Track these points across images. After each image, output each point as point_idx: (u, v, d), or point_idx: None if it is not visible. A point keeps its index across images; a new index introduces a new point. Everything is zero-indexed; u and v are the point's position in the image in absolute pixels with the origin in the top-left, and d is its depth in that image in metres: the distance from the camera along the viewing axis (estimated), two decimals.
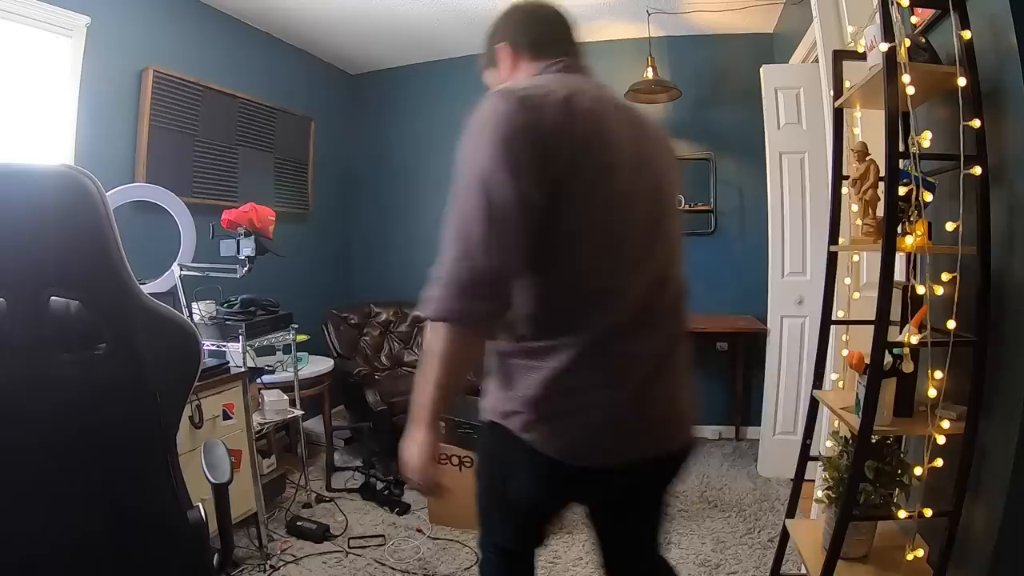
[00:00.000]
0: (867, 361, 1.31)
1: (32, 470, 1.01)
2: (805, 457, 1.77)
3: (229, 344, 2.31)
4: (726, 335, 3.41)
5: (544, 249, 0.92)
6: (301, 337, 2.71)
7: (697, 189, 3.54)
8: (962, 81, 1.25)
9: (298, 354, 2.76)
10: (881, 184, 1.41)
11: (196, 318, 2.37)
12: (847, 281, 1.83)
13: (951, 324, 1.27)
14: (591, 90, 0.99)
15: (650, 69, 3.26)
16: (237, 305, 2.43)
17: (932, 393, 1.30)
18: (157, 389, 1.07)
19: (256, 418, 2.36)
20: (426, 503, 2.55)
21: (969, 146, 1.25)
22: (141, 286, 1.09)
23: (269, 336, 2.50)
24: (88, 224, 1.00)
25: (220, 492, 1.20)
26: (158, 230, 2.57)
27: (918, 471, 1.33)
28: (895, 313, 1.32)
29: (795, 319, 2.88)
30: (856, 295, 1.82)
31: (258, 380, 2.53)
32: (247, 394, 2.21)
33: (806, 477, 1.80)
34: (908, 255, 1.33)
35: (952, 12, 1.26)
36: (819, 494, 1.61)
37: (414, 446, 0.97)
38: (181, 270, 2.43)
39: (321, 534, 2.35)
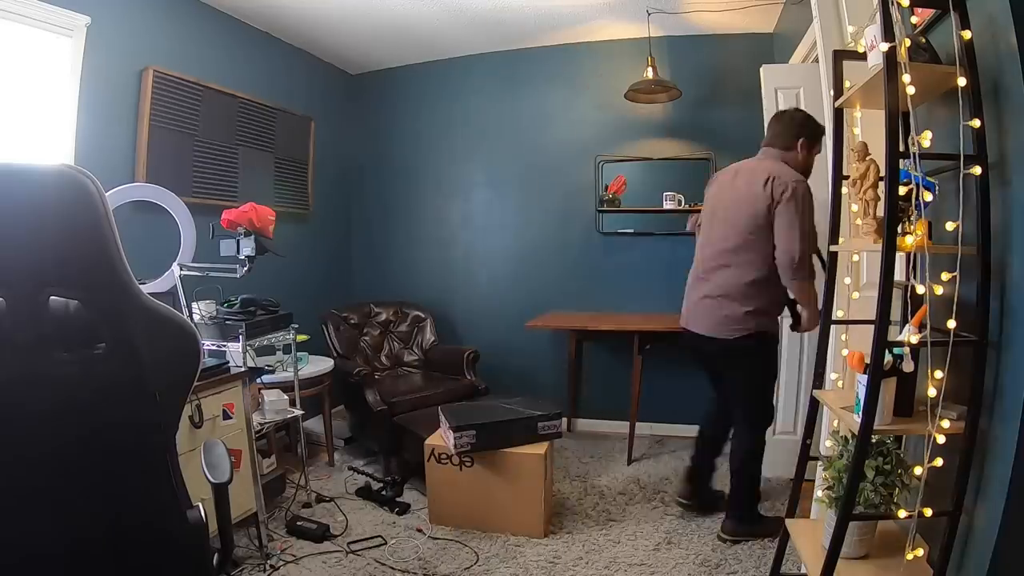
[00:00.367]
0: (867, 361, 1.31)
1: (31, 469, 1.01)
2: (805, 457, 1.78)
3: (229, 344, 2.31)
4: None
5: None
6: (301, 337, 2.71)
7: (697, 189, 3.52)
8: (962, 81, 1.25)
9: (298, 354, 2.76)
10: (881, 184, 1.40)
11: (196, 318, 2.37)
12: (847, 281, 1.83)
13: (951, 324, 1.27)
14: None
15: (650, 69, 3.26)
16: (237, 305, 2.43)
17: (932, 393, 1.30)
18: (157, 389, 1.07)
19: (256, 418, 2.36)
20: (426, 503, 2.55)
21: (969, 146, 1.25)
22: (141, 286, 1.09)
23: (269, 336, 2.50)
24: (88, 224, 1.00)
25: (220, 492, 1.20)
26: (158, 230, 2.57)
27: (918, 471, 1.32)
28: (895, 313, 1.32)
29: None
30: (856, 295, 1.83)
31: (258, 380, 2.54)
32: (247, 394, 2.22)
33: (806, 477, 1.81)
34: (908, 255, 1.33)
35: (952, 12, 1.26)
36: (819, 494, 1.61)
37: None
38: (181, 270, 2.44)
39: (321, 534, 2.35)
